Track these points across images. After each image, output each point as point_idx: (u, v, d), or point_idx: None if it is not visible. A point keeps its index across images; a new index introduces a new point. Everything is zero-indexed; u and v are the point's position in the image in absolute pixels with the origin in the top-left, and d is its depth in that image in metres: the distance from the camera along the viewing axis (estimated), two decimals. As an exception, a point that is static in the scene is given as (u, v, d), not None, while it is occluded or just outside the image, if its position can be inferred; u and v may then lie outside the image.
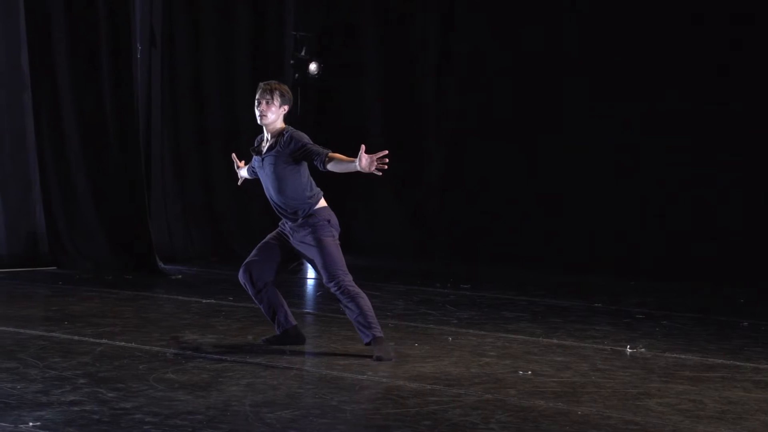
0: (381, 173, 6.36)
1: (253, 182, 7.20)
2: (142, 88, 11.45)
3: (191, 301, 8.87)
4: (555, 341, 7.32)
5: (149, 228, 10.86)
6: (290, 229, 6.76)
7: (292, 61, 12.83)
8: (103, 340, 6.97)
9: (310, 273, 11.04)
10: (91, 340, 6.99)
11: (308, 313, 8.71)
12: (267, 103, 6.66)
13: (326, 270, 6.66)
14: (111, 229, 10.90)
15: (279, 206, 6.76)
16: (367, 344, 6.67)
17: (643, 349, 7.06)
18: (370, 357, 6.57)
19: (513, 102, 12.50)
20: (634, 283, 10.55)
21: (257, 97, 6.69)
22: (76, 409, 5.18)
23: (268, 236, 6.92)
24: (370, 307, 6.70)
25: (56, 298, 8.94)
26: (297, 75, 12.90)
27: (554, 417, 5.26)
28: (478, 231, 12.62)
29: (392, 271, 11.13)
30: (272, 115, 6.67)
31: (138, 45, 11.17)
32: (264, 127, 6.75)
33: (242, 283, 6.86)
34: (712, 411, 5.45)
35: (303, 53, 12.96)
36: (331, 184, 12.20)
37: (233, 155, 7.36)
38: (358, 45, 13.21)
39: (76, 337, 7.06)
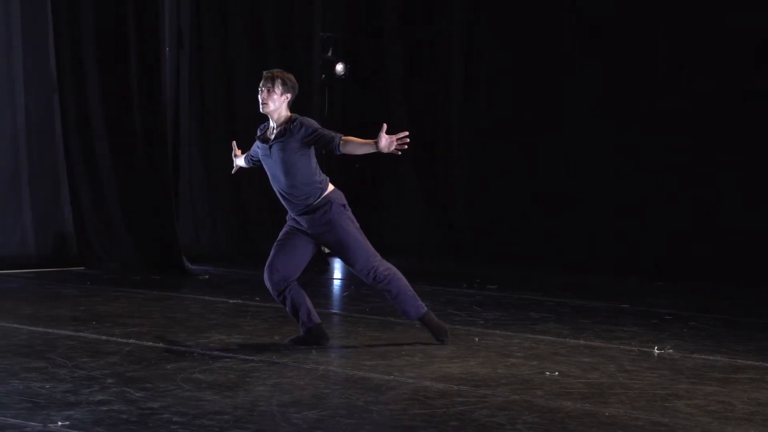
0: (401, 152, 6.36)
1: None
2: (170, 88, 11.48)
3: (218, 302, 8.89)
4: (582, 342, 7.30)
5: (176, 228, 10.90)
6: (305, 222, 6.74)
7: (320, 62, 12.85)
8: (131, 340, 7.00)
9: (336, 273, 11.06)
10: (119, 340, 7.02)
11: (334, 313, 8.71)
12: (268, 91, 6.68)
13: (357, 260, 6.71)
14: (138, 229, 10.94)
15: (288, 194, 6.72)
16: (419, 319, 6.86)
17: (671, 350, 7.02)
18: (397, 358, 6.58)
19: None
20: (663, 284, 10.52)
21: (260, 85, 6.71)
22: (104, 408, 5.20)
23: (282, 234, 6.87)
24: (407, 283, 6.83)
25: (84, 299, 8.99)
26: (324, 75, 12.92)
27: (581, 418, 5.24)
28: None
29: (418, 271, 11.10)
30: (273, 104, 6.68)
31: (166, 46, 11.20)
32: (269, 116, 6.75)
33: (266, 285, 6.86)
34: (740, 413, 5.42)
35: (329, 54, 12.98)
36: (355, 186, 12.29)
37: (233, 143, 7.38)
38: (384, 46, 13.20)
39: (104, 337, 7.09)
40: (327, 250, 8.73)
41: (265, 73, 6.75)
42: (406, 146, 6.32)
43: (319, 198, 6.71)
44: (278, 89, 6.67)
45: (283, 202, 6.85)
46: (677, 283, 10.58)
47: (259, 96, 6.70)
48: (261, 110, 6.74)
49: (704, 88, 11.38)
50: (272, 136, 6.73)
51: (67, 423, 4.91)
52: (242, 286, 9.81)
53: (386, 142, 6.31)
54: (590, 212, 11.90)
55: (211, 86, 12.00)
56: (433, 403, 5.50)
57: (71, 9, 10.75)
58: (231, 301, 8.87)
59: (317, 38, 12.75)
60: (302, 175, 6.68)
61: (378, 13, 13.21)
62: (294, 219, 6.83)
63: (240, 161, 7.27)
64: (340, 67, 12.94)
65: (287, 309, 6.88)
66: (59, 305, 8.60)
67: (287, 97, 6.70)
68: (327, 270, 11.02)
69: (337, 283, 10.63)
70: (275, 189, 6.85)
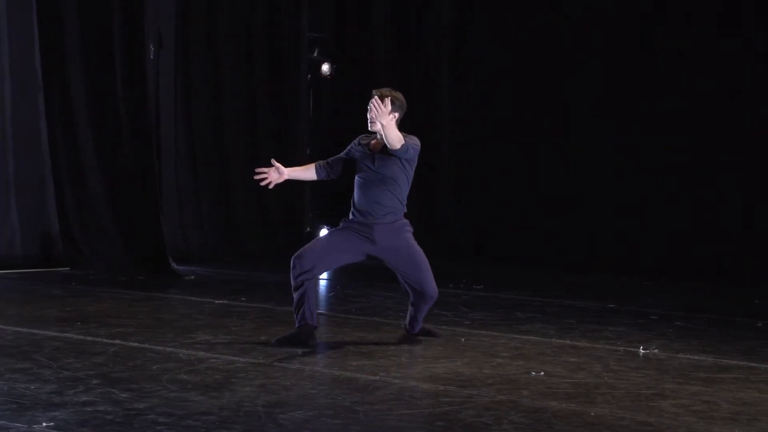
0: (377, 96, 6.63)
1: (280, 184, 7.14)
2: (156, 87, 11.45)
3: (204, 302, 8.88)
4: (568, 342, 7.31)
5: (163, 229, 10.87)
6: (377, 230, 6.89)
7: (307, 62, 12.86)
8: (117, 341, 6.98)
9: (323, 274, 11.03)
10: (105, 340, 7.00)
11: (320, 313, 8.69)
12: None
13: (429, 283, 6.99)
14: (125, 229, 10.91)
15: (377, 205, 6.87)
16: (420, 330, 7.26)
17: (656, 350, 7.04)
18: (383, 358, 6.59)
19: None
20: (649, 283, 10.54)
21: (369, 103, 6.81)
22: (89, 409, 5.19)
23: (335, 232, 7.03)
24: None
25: (70, 299, 8.96)
26: (309, 76, 12.92)
27: (567, 418, 5.25)
28: (486, 232, 12.62)
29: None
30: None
31: (150, 45, 11.18)
32: (378, 134, 6.90)
33: (291, 265, 6.89)
34: (725, 412, 5.43)
35: (315, 54, 12.98)
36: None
37: (273, 160, 7.13)
38: (372, 46, 13.19)
39: (89, 338, 7.08)
40: None
41: (374, 91, 6.87)
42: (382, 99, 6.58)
43: (398, 218, 6.97)
44: (387, 108, 6.77)
45: (361, 209, 6.92)
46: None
47: (368, 114, 6.83)
48: (369, 128, 6.88)
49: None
50: (380, 149, 6.89)
51: (52, 424, 4.89)
52: (229, 287, 9.80)
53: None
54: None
55: (199, 86, 11.98)
56: (419, 404, 5.51)
57: (56, 8, 10.71)
58: (217, 302, 8.86)
59: (304, 38, 12.75)
60: (398, 192, 6.93)
61: (367, 13, 13.19)
62: (356, 225, 6.93)
63: (298, 174, 7.16)
64: (326, 68, 12.94)
65: (294, 297, 6.92)
66: (45, 306, 8.57)
67: (395, 116, 6.84)
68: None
69: (322, 283, 10.62)
70: (361, 199, 6.93)
